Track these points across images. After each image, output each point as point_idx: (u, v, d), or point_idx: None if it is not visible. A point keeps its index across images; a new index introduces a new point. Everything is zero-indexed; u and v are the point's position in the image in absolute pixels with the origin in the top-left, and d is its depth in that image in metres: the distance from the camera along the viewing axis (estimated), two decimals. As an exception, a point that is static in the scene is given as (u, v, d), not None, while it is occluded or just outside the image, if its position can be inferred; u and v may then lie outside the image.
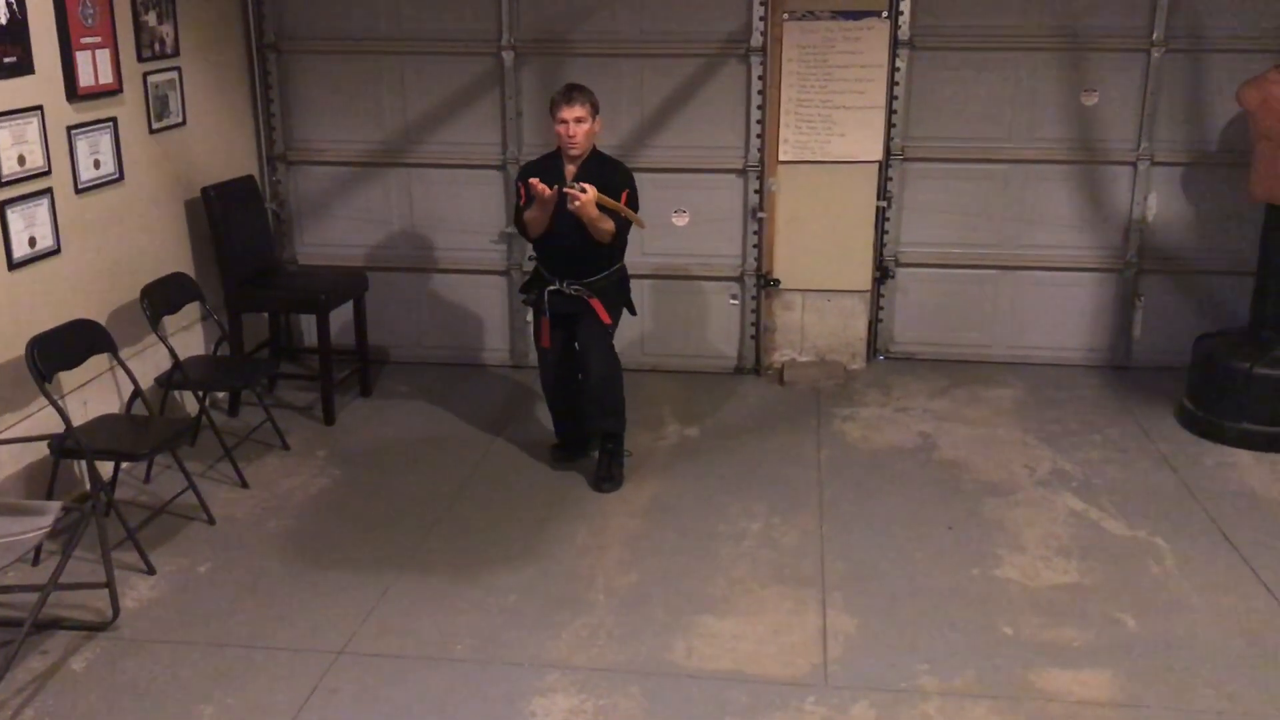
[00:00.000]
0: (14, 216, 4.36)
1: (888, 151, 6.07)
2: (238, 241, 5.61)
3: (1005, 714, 3.45)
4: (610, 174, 4.81)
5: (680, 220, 6.15)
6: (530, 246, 5.21)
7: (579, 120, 4.72)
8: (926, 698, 3.53)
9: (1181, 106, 5.95)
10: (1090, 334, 6.31)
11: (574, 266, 4.83)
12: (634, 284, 6.16)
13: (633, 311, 5.17)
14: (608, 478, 4.95)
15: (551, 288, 4.86)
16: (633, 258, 6.06)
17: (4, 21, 4.26)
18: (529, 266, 5.46)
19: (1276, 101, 5.09)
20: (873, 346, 6.43)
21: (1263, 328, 5.41)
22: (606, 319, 4.87)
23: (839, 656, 3.73)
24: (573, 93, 4.75)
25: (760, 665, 3.69)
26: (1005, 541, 4.47)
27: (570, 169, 4.80)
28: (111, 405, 4.89)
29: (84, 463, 4.30)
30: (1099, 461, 5.17)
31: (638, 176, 6.05)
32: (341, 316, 5.81)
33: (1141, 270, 6.18)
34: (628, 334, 6.31)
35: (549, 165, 4.84)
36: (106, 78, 4.88)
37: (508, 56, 6.01)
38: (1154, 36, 5.84)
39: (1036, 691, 3.56)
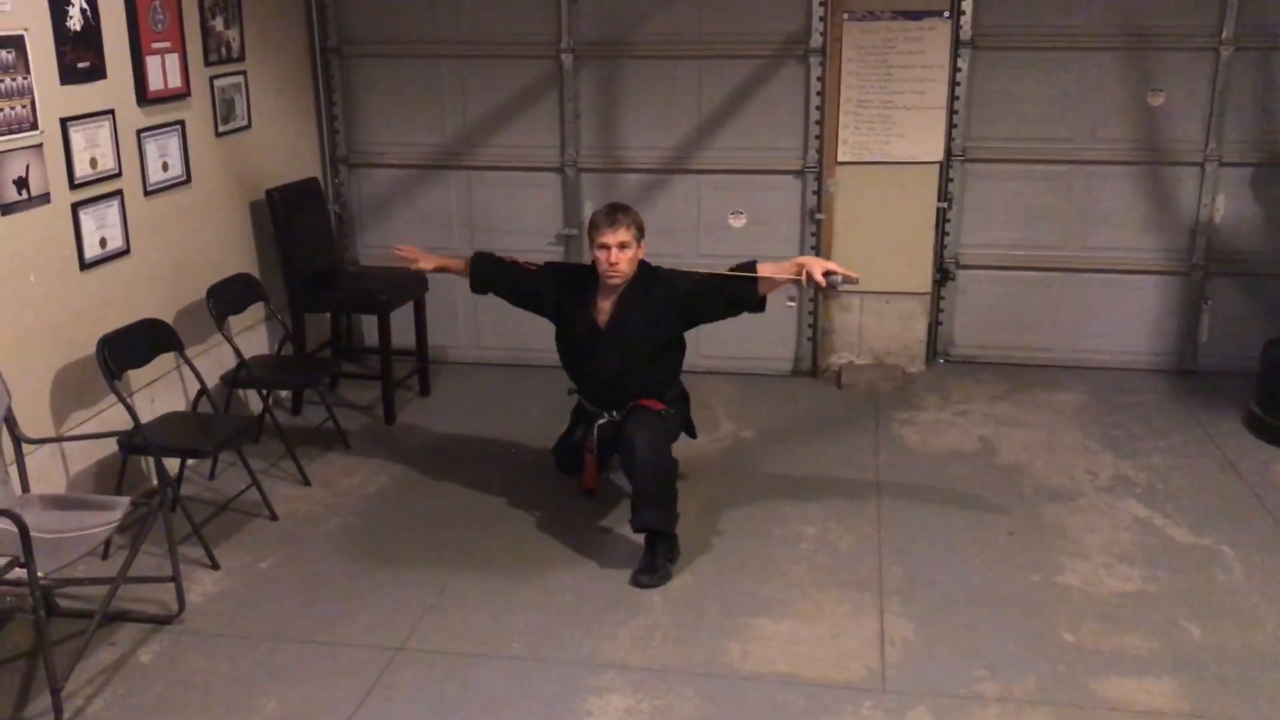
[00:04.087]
0: (86, 218, 4.47)
1: (948, 152, 6.01)
2: (301, 243, 5.70)
3: (1066, 722, 3.41)
4: (663, 294, 4.29)
5: (737, 222, 6.14)
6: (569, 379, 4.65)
7: (623, 246, 4.15)
8: (985, 704, 3.49)
9: (1251, 106, 5.83)
10: (1155, 337, 6.21)
11: (621, 395, 4.37)
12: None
13: (691, 434, 4.68)
14: (649, 569, 4.14)
15: (601, 420, 4.42)
16: (689, 258, 6.07)
17: (79, 28, 4.37)
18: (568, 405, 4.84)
19: (1351, 100, 4.97)
20: (932, 349, 6.37)
21: (1335, 332, 5.29)
22: (659, 405, 4.33)
23: (896, 661, 3.70)
24: (617, 214, 4.18)
25: (816, 669, 3.67)
26: (1067, 548, 4.41)
27: (605, 304, 4.30)
28: (178, 403, 4.99)
29: (152, 459, 4.39)
30: (1164, 467, 5.08)
31: (696, 179, 6.12)
32: (402, 317, 5.87)
33: (1208, 273, 6.07)
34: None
35: (580, 284, 4.34)
36: (175, 82, 4.98)
37: (567, 59, 6.04)
38: (1223, 35, 5.73)
39: (1098, 700, 3.50)
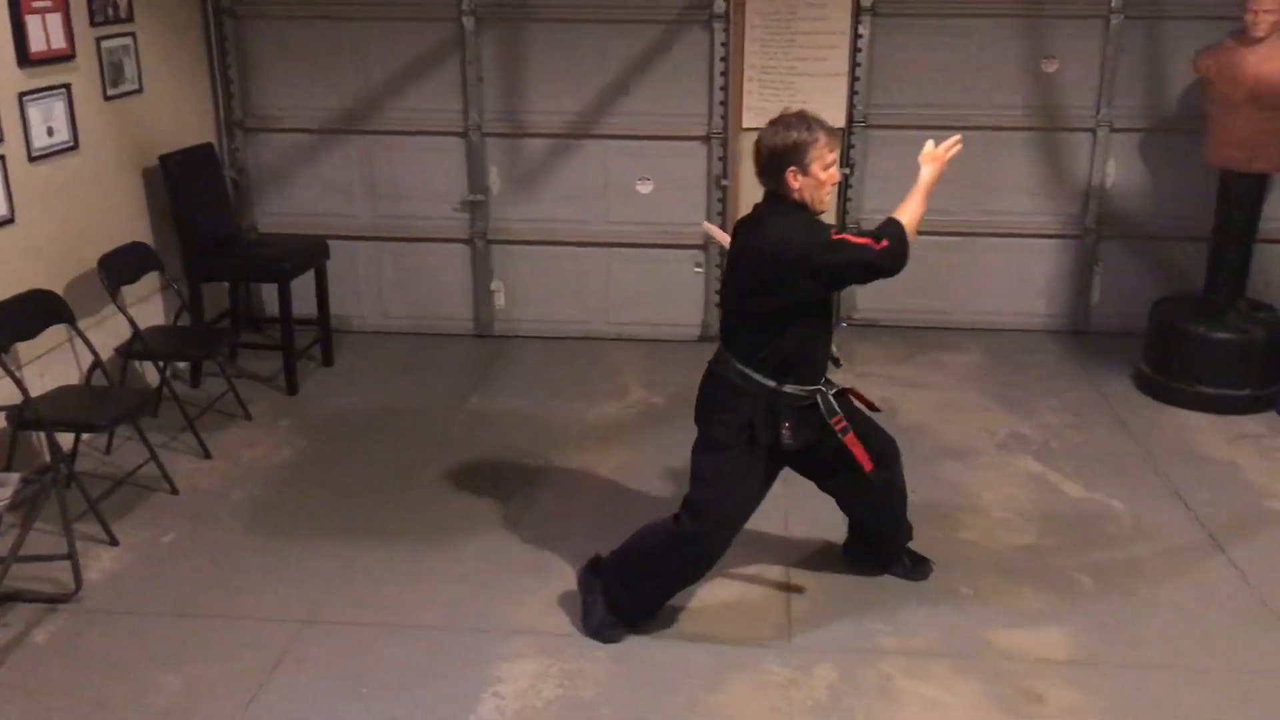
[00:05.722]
0: (-34, 185, 4.30)
1: (850, 119, 6.08)
2: (197, 210, 5.55)
3: (965, 673, 3.52)
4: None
5: (644, 188, 6.14)
6: (763, 363, 3.72)
7: None
8: (888, 657, 3.58)
9: (1141, 73, 5.99)
10: (1049, 299, 6.38)
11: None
12: (597, 252, 6.19)
13: None
14: (916, 561, 4.06)
15: (833, 390, 3.61)
16: (597, 225, 6.09)
17: (-48, -15, 4.18)
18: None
19: (1232, 68, 5.14)
20: (835, 314, 6.46)
21: (1218, 292, 5.49)
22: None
23: (801, 618, 3.78)
24: (834, 129, 3.60)
25: (724, 628, 3.73)
26: (965, 504, 4.53)
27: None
28: (71, 376, 4.84)
29: (43, 434, 4.26)
30: (1057, 425, 5.25)
31: (603, 145, 6.09)
32: (303, 285, 5.76)
33: (1100, 236, 6.25)
34: (590, 304, 6.32)
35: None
36: (58, 43, 4.79)
37: (468, 21, 5.95)
38: (1113, 3, 5.87)
39: (996, 651, 3.62)
